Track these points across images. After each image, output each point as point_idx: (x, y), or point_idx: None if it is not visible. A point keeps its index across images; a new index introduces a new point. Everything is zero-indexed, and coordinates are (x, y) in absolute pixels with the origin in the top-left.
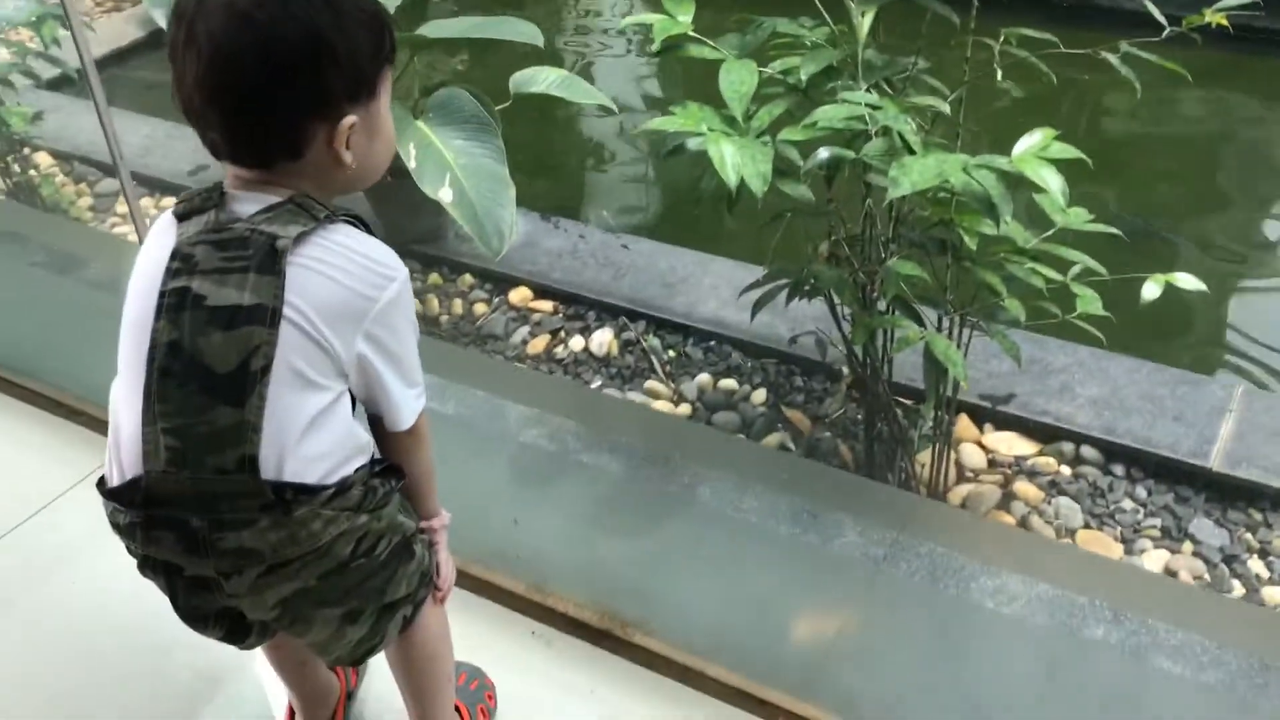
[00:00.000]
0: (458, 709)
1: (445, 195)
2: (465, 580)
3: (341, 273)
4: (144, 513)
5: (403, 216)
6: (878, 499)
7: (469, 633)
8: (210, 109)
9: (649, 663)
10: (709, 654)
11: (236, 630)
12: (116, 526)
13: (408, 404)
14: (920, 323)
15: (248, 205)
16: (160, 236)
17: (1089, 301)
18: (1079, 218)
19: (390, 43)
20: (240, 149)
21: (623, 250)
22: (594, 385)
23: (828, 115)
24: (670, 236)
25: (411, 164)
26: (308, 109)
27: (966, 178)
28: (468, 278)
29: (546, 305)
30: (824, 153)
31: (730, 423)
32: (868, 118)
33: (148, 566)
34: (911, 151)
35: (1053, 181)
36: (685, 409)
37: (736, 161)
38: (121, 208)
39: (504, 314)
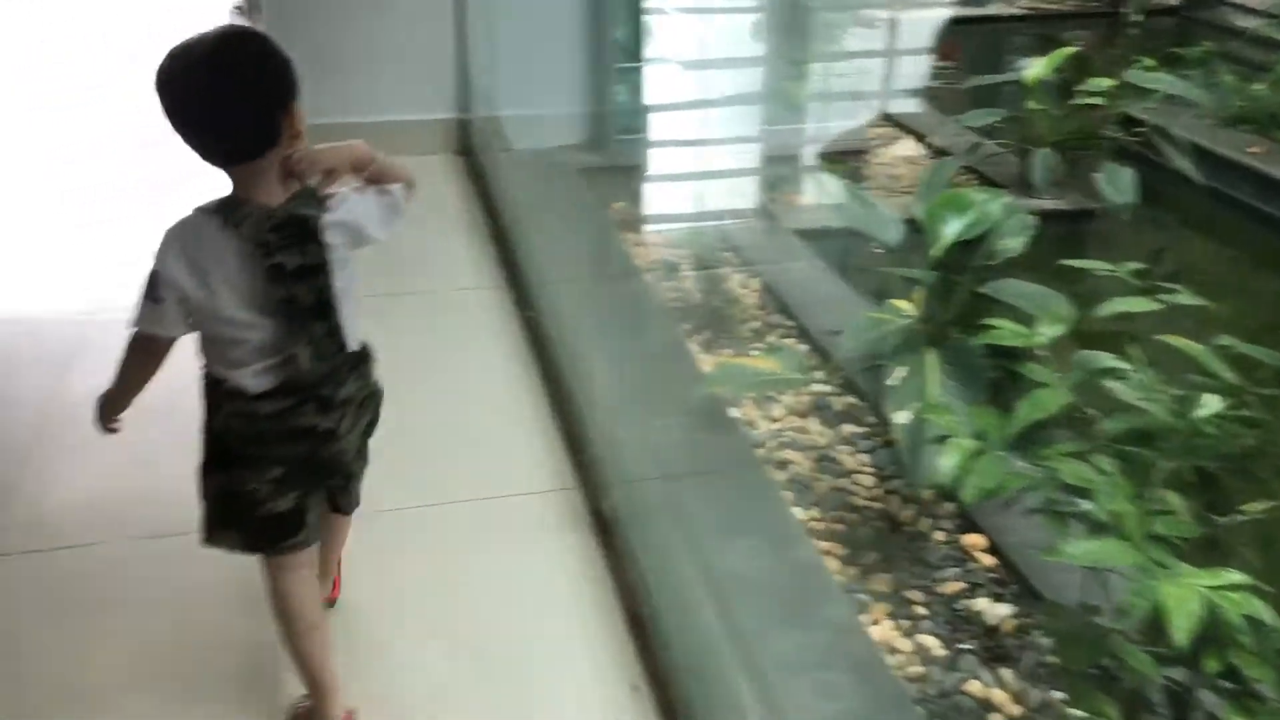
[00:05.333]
0: None
1: (901, 418)
2: None
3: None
4: (295, 397)
5: None
6: None
7: None
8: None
9: None
10: None
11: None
12: (260, 417)
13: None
14: None
15: (265, 196)
16: (214, 239)
17: None
18: None
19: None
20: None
21: None
22: (961, 646)
23: None
24: None
25: (892, 381)
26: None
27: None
28: (949, 505)
29: (989, 560)
30: None
31: None
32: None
33: (287, 439)
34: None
35: None
36: (1017, 711)
37: (962, 463)
38: (771, 338)
39: (951, 549)
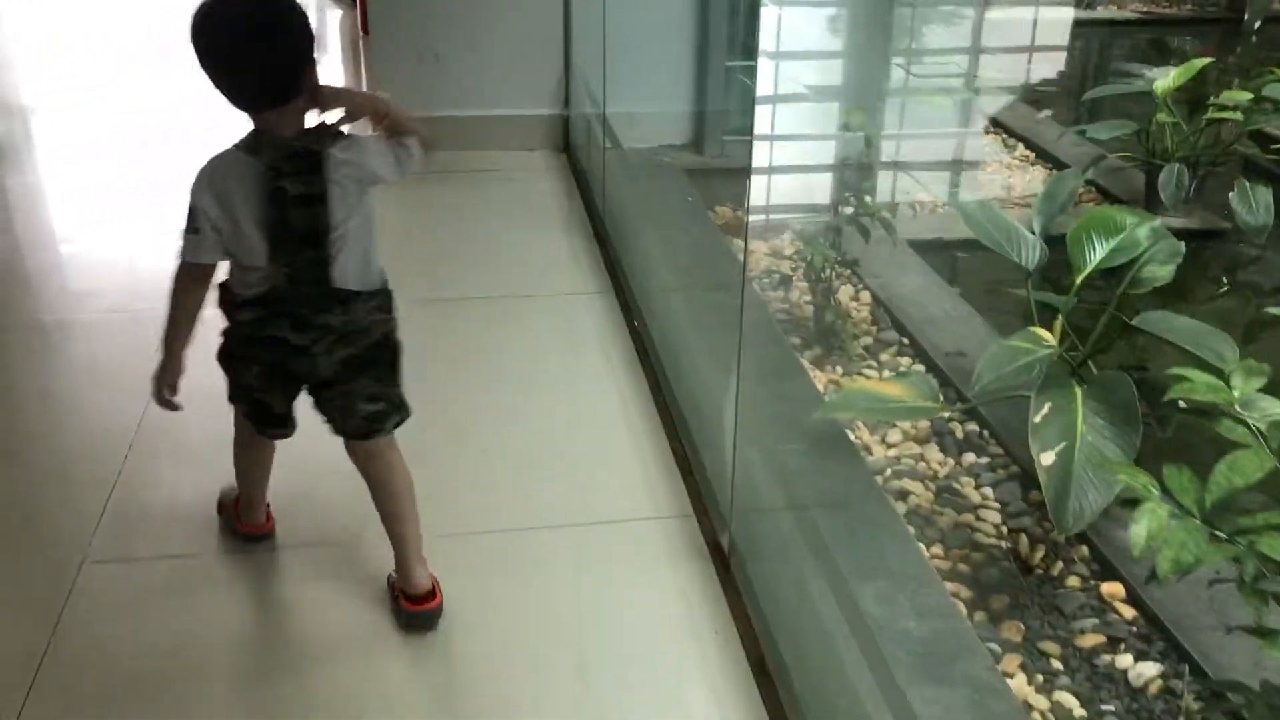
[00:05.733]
0: None
1: (1047, 459)
2: None
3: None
4: (269, 309)
5: None
6: None
7: None
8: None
9: None
10: None
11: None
12: (243, 323)
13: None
14: None
15: (287, 132)
16: (237, 165)
17: None
18: None
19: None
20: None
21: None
22: (1104, 706)
23: None
24: None
25: (1037, 418)
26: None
27: None
28: (1085, 550)
29: (1129, 612)
30: None
31: None
32: None
33: (261, 344)
34: None
35: None
36: None
37: (1156, 533)
38: (884, 356)
39: (1088, 597)
